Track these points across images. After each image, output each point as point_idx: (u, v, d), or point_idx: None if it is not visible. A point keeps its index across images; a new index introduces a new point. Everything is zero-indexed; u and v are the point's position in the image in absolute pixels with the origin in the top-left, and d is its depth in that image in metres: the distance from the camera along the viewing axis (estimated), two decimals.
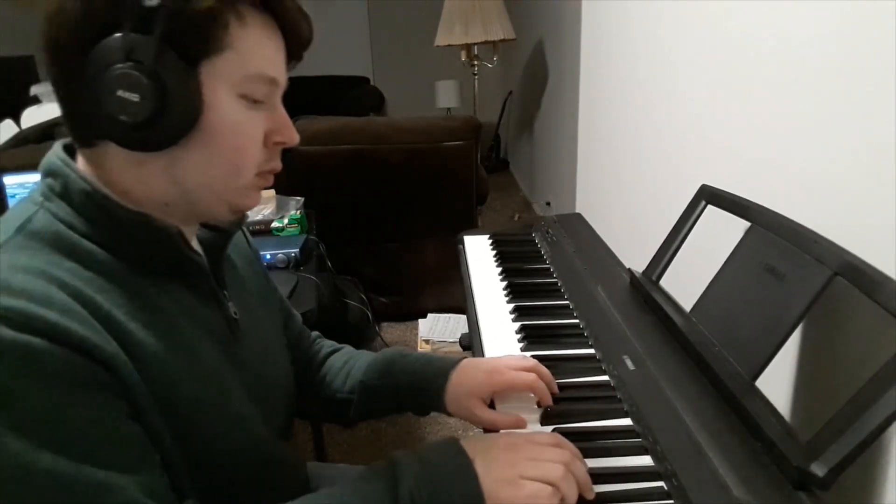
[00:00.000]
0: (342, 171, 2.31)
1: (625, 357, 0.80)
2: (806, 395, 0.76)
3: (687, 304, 0.85)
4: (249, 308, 0.73)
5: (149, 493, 0.51)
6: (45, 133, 2.29)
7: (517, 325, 0.94)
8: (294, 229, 1.96)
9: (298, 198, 2.03)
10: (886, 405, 0.52)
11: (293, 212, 1.97)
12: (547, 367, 0.79)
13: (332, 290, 2.14)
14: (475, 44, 3.72)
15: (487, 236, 1.32)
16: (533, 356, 0.82)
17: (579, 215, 1.39)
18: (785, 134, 0.82)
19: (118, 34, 0.52)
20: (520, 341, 0.91)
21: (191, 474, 0.58)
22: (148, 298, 0.58)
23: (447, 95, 4.86)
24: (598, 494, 0.61)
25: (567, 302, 1.01)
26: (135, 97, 0.52)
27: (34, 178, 1.51)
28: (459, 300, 1.15)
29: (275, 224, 1.96)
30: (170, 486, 0.54)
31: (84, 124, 0.57)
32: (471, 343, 0.95)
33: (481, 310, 1.01)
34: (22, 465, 0.46)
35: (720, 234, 0.86)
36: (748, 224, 0.79)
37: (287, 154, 0.66)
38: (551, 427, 0.72)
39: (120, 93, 0.52)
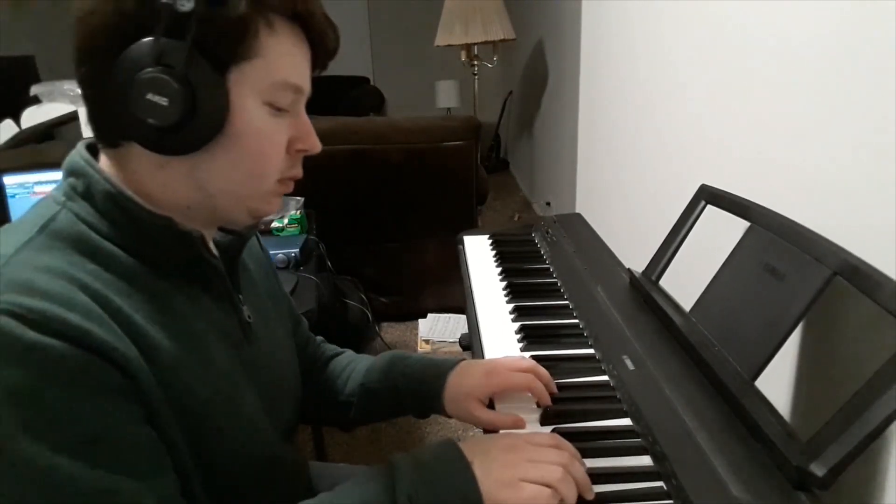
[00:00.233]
0: (342, 171, 2.31)
1: (624, 357, 0.80)
2: (805, 395, 0.76)
3: (687, 304, 0.85)
4: (262, 311, 0.73)
5: (160, 499, 0.51)
6: (45, 133, 2.29)
7: (517, 325, 0.95)
8: (294, 229, 1.96)
9: (298, 198, 2.03)
10: (886, 405, 0.52)
11: (293, 212, 1.97)
12: (546, 367, 0.79)
13: (332, 290, 2.14)
14: (475, 44, 3.72)
15: (487, 236, 1.32)
16: (532, 356, 0.82)
17: (579, 215, 1.39)
18: (785, 134, 0.82)
19: (150, 38, 0.52)
20: (519, 341, 0.91)
21: (200, 477, 0.58)
22: (166, 301, 0.58)
23: (447, 95, 4.86)
24: (598, 494, 0.61)
25: (567, 302, 1.01)
26: (164, 101, 0.52)
27: (34, 177, 1.52)
28: (459, 300, 1.15)
29: (275, 224, 1.96)
30: (180, 490, 0.54)
31: (110, 125, 0.57)
32: (471, 343, 0.95)
33: (481, 310, 1.01)
34: (37, 467, 0.46)
35: (720, 234, 0.86)
36: (748, 224, 0.79)
37: None
38: (551, 427, 0.72)
39: (149, 96, 0.52)
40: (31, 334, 0.46)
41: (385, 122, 2.60)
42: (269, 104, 0.58)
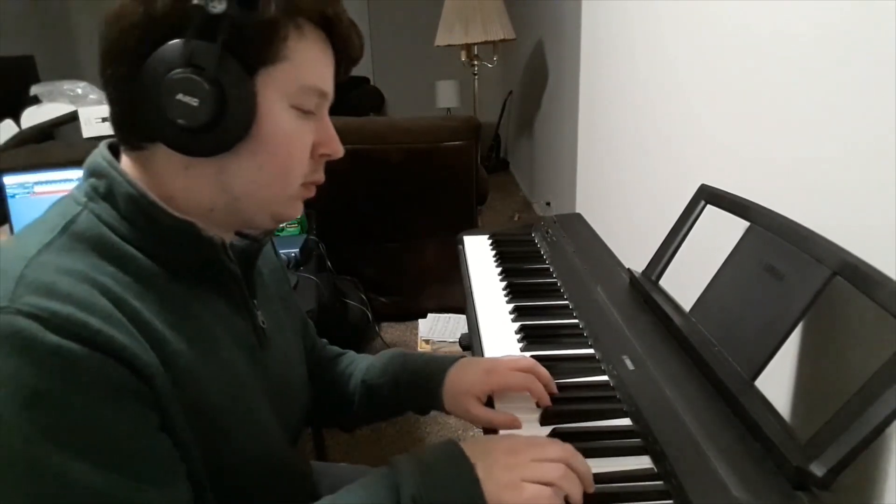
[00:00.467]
0: (342, 171, 2.31)
1: (624, 357, 0.80)
2: (805, 395, 0.76)
3: (686, 303, 0.85)
4: (274, 316, 0.73)
5: None
6: (45, 133, 2.29)
7: (517, 325, 0.95)
8: (294, 229, 1.96)
9: None
10: (886, 405, 0.52)
11: None
12: (546, 367, 0.79)
13: (332, 290, 2.14)
14: (475, 44, 3.72)
15: (487, 236, 1.32)
16: (532, 356, 0.82)
17: (579, 215, 1.39)
18: (785, 134, 0.82)
19: (180, 39, 0.52)
20: (519, 341, 0.91)
21: (211, 483, 0.58)
22: (184, 306, 0.58)
23: (447, 95, 4.86)
24: (598, 495, 0.61)
25: (567, 302, 1.01)
26: (194, 101, 0.53)
27: (34, 177, 1.52)
28: (459, 300, 1.15)
29: None
30: (193, 498, 0.54)
31: (136, 126, 0.57)
32: (470, 343, 0.95)
33: (481, 310, 1.01)
34: (55, 473, 0.46)
35: (720, 234, 0.86)
36: (748, 224, 0.79)
37: None
38: (550, 427, 0.72)
39: (180, 96, 0.52)
40: (53, 338, 0.46)
41: (385, 122, 2.60)
42: (296, 108, 0.59)
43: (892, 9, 0.61)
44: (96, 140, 2.36)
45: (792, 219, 0.73)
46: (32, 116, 2.31)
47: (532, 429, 0.73)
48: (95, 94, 2.25)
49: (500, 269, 1.15)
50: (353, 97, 4.81)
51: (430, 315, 2.52)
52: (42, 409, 0.45)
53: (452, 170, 2.44)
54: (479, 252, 1.25)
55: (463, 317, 2.20)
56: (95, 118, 2.09)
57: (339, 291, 2.34)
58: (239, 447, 0.60)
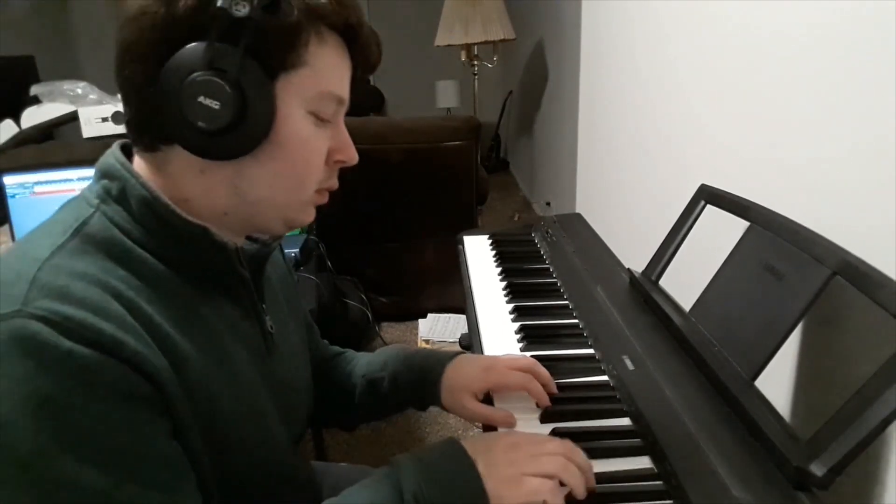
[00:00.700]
0: (342, 170, 2.31)
1: (624, 357, 0.80)
2: (805, 395, 0.76)
3: (686, 303, 0.85)
4: (282, 321, 0.73)
5: None
6: (45, 133, 2.29)
7: (517, 325, 0.95)
8: (294, 229, 1.96)
9: None
10: (885, 404, 0.52)
11: None
12: (546, 367, 0.79)
13: (332, 290, 2.14)
14: (475, 44, 3.72)
15: (487, 236, 1.32)
16: (532, 356, 0.82)
17: (579, 215, 1.39)
18: (784, 134, 0.82)
19: (202, 42, 0.52)
20: (519, 341, 0.91)
21: (218, 489, 0.58)
22: (194, 310, 0.58)
23: (447, 95, 4.85)
24: (598, 495, 0.61)
25: (567, 302, 1.01)
26: (216, 104, 0.52)
27: (34, 177, 1.52)
28: (459, 300, 1.15)
29: None
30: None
31: (153, 128, 0.56)
32: (470, 343, 0.95)
33: (481, 310, 1.01)
34: (66, 479, 0.45)
35: (719, 234, 0.86)
36: (747, 224, 0.79)
37: None
38: (550, 426, 0.72)
39: (201, 99, 0.52)
40: (66, 343, 0.46)
41: (385, 122, 2.60)
42: (313, 114, 0.59)
43: (892, 9, 0.62)
44: (96, 140, 2.35)
45: (792, 219, 0.73)
46: (32, 116, 2.31)
47: (532, 428, 0.73)
48: (95, 94, 2.25)
49: (500, 269, 1.15)
50: (352, 97, 4.80)
51: (430, 315, 2.52)
52: (53, 413, 0.45)
53: (452, 170, 2.44)
54: (479, 252, 1.25)
55: (463, 317, 2.20)
56: (95, 118, 2.09)
57: (339, 291, 2.34)
58: (246, 453, 0.60)
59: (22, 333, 0.45)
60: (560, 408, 0.75)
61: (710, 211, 0.89)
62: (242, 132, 0.54)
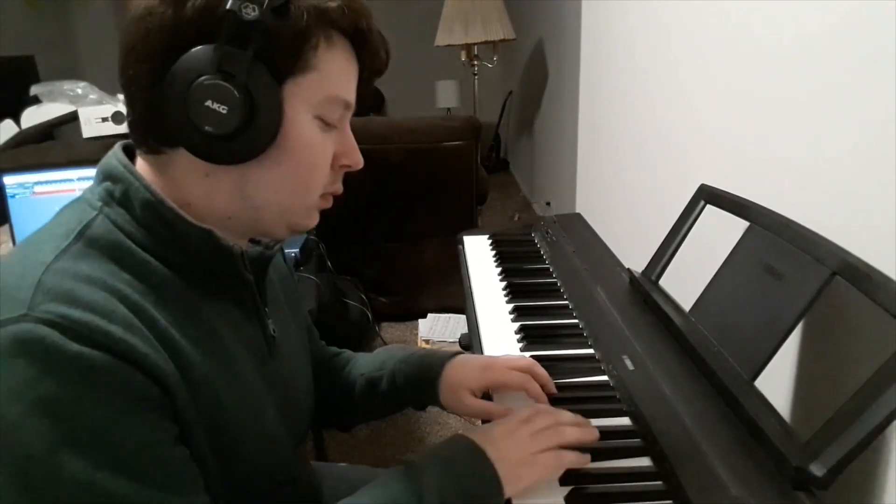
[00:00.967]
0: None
1: (624, 357, 0.80)
2: (805, 395, 0.76)
3: (686, 303, 0.85)
4: (284, 325, 0.73)
5: None
6: (45, 133, 2.29)
7: (517, 325, 0.95)
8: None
9: None
10: (885, 405, 0.52)
11: None
12: (546, 367, 0.79)
13: (332, 290, 2.14)
14: (475, 44, 3.72)
15: (487, 236, 1.32)
16: (532, 356, 0.82)
17: (579, 215, 1.39)
18: (784, 134, 0.82)
19: (211, 45, 0.51)
20: (519, 341, 0.91)
21: (224, 493, 0.57)
22: (198, 314, 0.57)
23: (447, 95, 4.85)
24: (598, 495, 0.62)
25: (566, 302, 1.01)
26: (223, 109, 0.52)
27: (34, 177, 1.52)
28: (459, 300, 1.15)
29: None
30: None
31: (157, 130, 0.55)
32: (470, 343, 0.95)
33: (481, 310, 1.01)
34: (78, 483, 0.45)
35: (719, 234, 0.86)
36: (747, 224, 0.79)
37: None
38: None
39: (208, 103, 0.52)
40: (74, 346, 0.45)
41: (385, 122, 2.60)
42: (320, 118, 0.58)
43: (892, 9, 0.61)
44: (96, 140, 2.35)
45: (792, 219, 0.73)
46: (32, 116, 2.31)
47: None
48: (95, 94, 2.25)
49: (500, 269, 1.15)
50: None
51: (430, 315, 2.52)
52: (63, 416, 0.45)
53: (452, 170, 2.44)
54: (479, 252, 1.25)
55: (463, 317, 2.20)
56: (95, 118, 2.09)
57: (339, 291, 2.34)
58: (248, 454, 0.60)
59: (29, 337, 0.45)
60: (560, 408, 0.75)
61: (710, 211, 0.89)
62: (250, 137, 0.54)
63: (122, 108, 2.08)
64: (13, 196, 1.52)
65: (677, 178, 1.17)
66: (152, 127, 0.56)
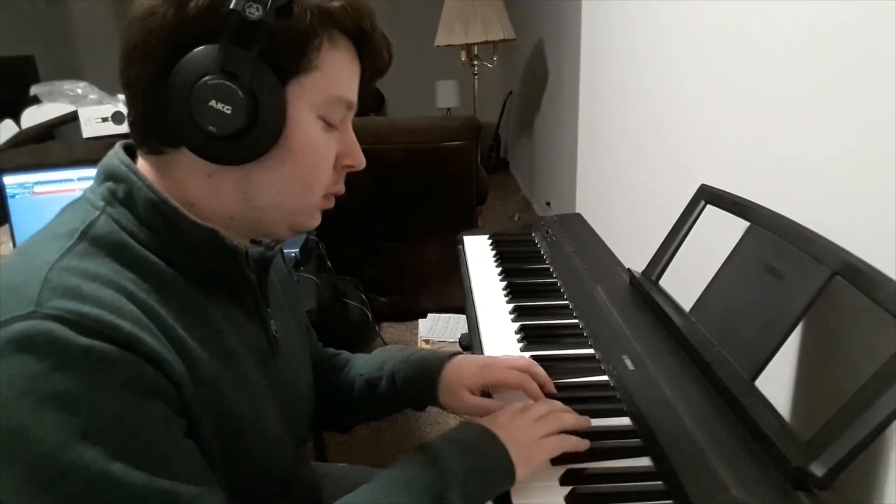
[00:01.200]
0: None
1: (624, 357, 0.80)
2: (805, 395, 0.76)
3: (686, 303, 0.85)
4: (285, 325, 0.73)
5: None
6: (45, 133, 2.29)
7: (517, 325, 0.95)
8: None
9: None
10: (886, 405, 0.52)
11: None
12: (546, 366, 0.79)
13: (332, 290, 2.14)
14: (475, 44, 3.72)
15: (487, 236, 1.32)
16: (532, 356, 0.82)
17: (579, 215, 1.39)
18: (785, 134, 0.82)
19: (214, 45, 0.51)
20: (519, 341, 0.91)
21: (230, 493, 0.57)
22: (203, 314, 0.57)
23: (447, 95, 4.85)
24: (598, 495, 0.62)
25: (566, 302, 1.01)
26: (227, 109, 0.52)
27: (34, 177, 1.52)
28: (459, 300, 1.15)
29: None
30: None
31: (159, 130, 0.55)
32: (470, 343, 0.95)
33: (481, 310, 1.01)
34: (93, 473, 0.45)
35: (720, 234, 0.86)
36: (748, 224, 0.79)
37: None
38: None
39: (212, 103, 0.51)
40: (83, 340, 0.45)
41: (385, 122, 2.60)
42: (322, 118, 0.58)
43: (892, 9, 0.61)
44: (96, 140, 2.34)
45: (792, 219, 0.73)
46: (32, 116, 2.31)
47: None
48: (95, 94, 2.25)
49: (500, 269, 1.15)
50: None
51: (430, 315, 2.52)
52: (75, 409, 0.45)
53: (452, 170, 2.44)
54: (479, 252, 1.25)
55: (463, 317, 2.20)
56: (95, 118, 2.09)
57: (339, 291, 2.34)
58: (251, 455, 0.60)
59: (37, 333, 0.45)
60: None
61: (710, 211, 0.89)
62: (254, 137, 0.54)
63: (123, 108, 2.09)
64: (13, 196, 1.52)
65: (677, 178, 1.17)
66: (154, 127, 0.55)
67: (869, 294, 0.58)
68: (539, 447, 0.65)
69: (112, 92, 2.16)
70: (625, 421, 0.72)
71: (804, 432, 0.59)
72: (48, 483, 0.44)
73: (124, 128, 2.07)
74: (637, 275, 0.98)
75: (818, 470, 0.54)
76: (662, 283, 0.94)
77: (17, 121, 2.31)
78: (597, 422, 0.73)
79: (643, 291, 0.94)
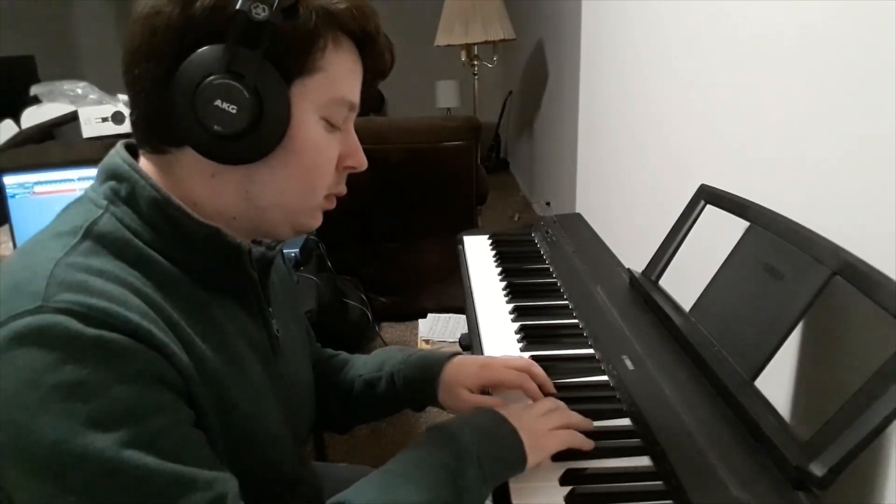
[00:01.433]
0: None
1: (624, 357, 0.80)
2: (805, 395, 0.76)
3: (686, 303, 0.85)
4: (286, 325, 0.73)
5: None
6: (45, 133, 2.29)
7: (517, 325, 0.95)
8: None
9: None
10: (885, 405, 0.52)
11: None
12: (546, 366, 0.79)
13: (332, 290, 2.14)
14: (475, 44, 3.72)
15: (487, 236, 1.32)
16: (532, 356, 0.82)
17: (579, 215, 1.39)
18: (785, 134, 0.82)
19: (218, 44, 0.51)
20: (519, 341, 0.91)
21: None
22: (206, 312, 0.57)
23: (447, 95, 4.85)
24: (598, 495, 0.62)
25: (566, 302, 1.01)
26: (232, 109, 0.52)
27: (34, 177, 1.52)
28: (459, 300, 1.15)
29: None
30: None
31: (163, 130, 0.55)
32: (470, 343, 0.95)
33: (481, 310, 1.01)
34: (107, 461, 0.45)
35: (719, 234, 0.86)
36: (748, 224, 0.79)
37: None
38: None
39: (217, 103, 0.52)
40: (92, 331, 0.46)
41: (385, 122, 2.60)
42: (325, 119, 0.58)
43: (892, 9, 0.62)
44: (96, 140, 2.34)
45: (792, 219, 0.73)
46: (32, 116, 2.31)
47: None
48: (95, 94, 2.25)
49: (500, 269, 1.15)
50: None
51: (430, 315, 2.51)
52: (86, 398, 0.45)
53: (452, 170, 2.44)
54: (479, 252, 1.25)
55: (463, 317, 2.20)
56: (95, 118, 2.09)
57: (339, 291, 2.34)
58: (253, 454, 0.60)
59: (45, 326, 0.45)
60: None
61: (710, 211, 0.89)
62: (258, 137, 0.54)
63: (123, 108, 2.09)
64: (13, 196, 1.52)
65: (677, 178, 1.17)
66: (158, 126, 0.55)
67: (869, 294, 0.58)
68: (550, 437, 0.66)
69: (112, 92, 2.16)
70: (625, 421, 0.72)
71: (804, 432, 0.59)
72: (61, 472, 0.44)
73: (124, 128, 2.07)
74: (637, 275, 0.98)
75: (818, 470, 0.54)
76: (662, 283, 0.94)
77: (17, 121, 2.31)
78: (597, 422, 0.73)
79: (643, 291, 0.94)
